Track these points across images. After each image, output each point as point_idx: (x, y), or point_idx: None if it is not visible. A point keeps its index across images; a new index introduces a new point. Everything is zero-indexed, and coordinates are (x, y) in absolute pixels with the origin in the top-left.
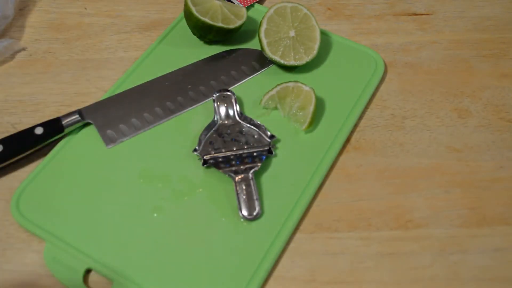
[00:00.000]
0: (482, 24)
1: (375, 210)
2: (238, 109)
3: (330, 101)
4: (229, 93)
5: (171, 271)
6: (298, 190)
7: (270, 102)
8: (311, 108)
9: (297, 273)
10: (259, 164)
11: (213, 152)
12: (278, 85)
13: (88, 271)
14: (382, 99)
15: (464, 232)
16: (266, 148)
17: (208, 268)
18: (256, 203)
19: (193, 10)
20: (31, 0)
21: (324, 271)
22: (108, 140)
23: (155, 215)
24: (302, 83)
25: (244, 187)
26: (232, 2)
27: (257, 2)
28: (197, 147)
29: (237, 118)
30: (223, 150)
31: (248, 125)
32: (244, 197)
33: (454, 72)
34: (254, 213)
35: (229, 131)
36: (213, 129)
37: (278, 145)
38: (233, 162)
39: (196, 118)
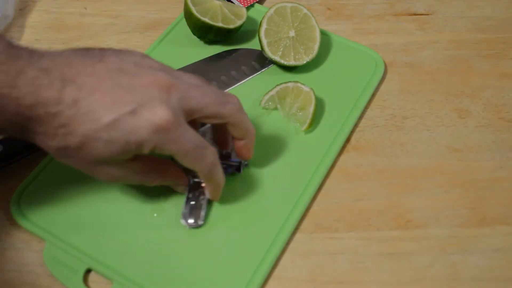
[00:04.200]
0: (482, 24)
1: (375, 210)
2: None
3: (330, 101)
4: None
5: (171, 271)
6: (298, 190)
7: (270, 103)
8: (311, 108)
9: (297, 273)
10: None
11: None
12: (278, 85)
13: (88, 271)
14: (382, 99)
15: (464, 232)
16: (237, 163)
17: (208, 268)
18: (203, 213)
19: (193, 10)
20: (31, 0)
21: (324, 271)
22: None
23: (155, 215)
24: (301, 84)
25: (197, 194)
26: (232, 2)
27: (257, 2)
28: None
29: None
30: None
31: None
32: (193, 203)
33: (454, 72)
34: (199, 223)
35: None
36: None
37: (278, 145)
38: None
39: None
